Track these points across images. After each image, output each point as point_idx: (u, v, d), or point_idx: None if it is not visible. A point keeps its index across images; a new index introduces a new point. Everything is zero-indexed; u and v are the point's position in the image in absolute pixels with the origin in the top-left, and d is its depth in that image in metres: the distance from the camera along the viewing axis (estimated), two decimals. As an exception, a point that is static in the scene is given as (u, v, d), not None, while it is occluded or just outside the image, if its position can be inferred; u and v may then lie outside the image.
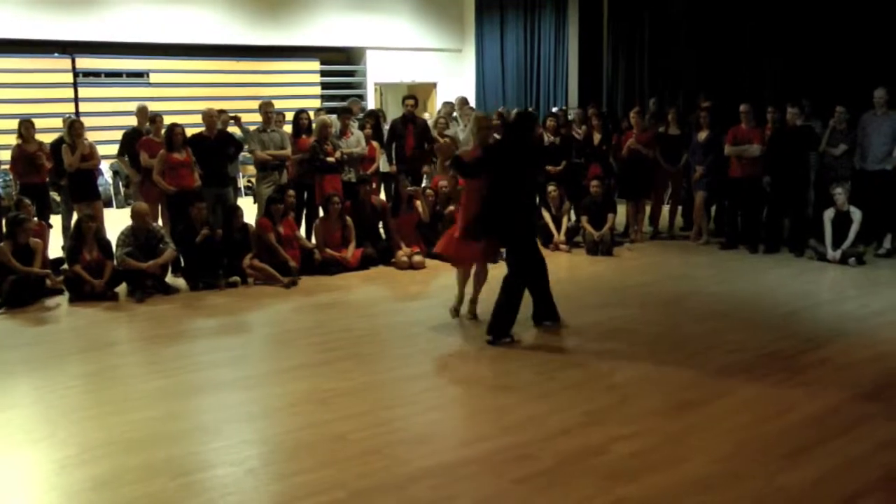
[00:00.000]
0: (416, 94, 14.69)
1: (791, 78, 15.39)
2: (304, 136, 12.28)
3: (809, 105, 12.89)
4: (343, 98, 18.00)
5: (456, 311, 8.96)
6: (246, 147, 12.56)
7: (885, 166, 12.07)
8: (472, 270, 8.95)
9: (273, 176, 12.10)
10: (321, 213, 11.81)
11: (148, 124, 12.05)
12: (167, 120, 11.86)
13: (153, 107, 12.89)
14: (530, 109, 14.10)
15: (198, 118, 12.08)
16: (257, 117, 12.40)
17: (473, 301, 9.00)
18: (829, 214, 11.66)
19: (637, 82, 18.85)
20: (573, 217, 13.17)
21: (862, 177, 12.31)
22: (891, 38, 14.05)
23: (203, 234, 10.58)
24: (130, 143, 12.09)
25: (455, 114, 14.93)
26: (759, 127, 12.58)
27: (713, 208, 13.66)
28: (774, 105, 12.69)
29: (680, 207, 14.27)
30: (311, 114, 13.23)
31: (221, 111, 12.96)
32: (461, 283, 8.99)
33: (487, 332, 8.12)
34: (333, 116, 12.98)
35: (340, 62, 23.02)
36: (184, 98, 18.85)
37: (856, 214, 11.51)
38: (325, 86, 22.13)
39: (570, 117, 15.09)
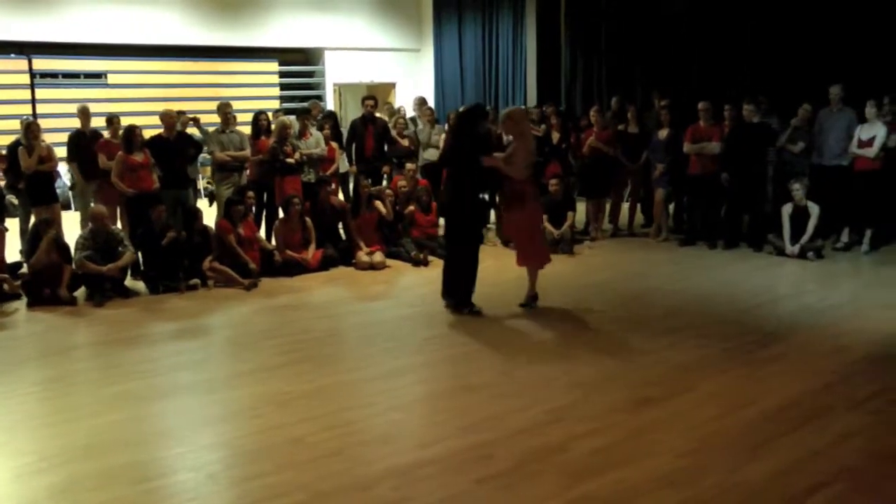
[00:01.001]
0: (375, 95, 14.64)
1: (748, 75, 15.48)
2: (263, 138, 12.17)
3: (767, 102, 12.96)
4: (303, 99, 17.97)
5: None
6: (205, 148, 12.46)
7: (841, 161, 12.21)
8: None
9: (233, 177, 11.99)
10: (281, 215, 11.71)
11: (90, 126, 11.90)
12: (126, 122, 11.71)
13: (111, 108, 12.77)
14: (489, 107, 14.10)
15: (156, 119, 11.97)
16: (216, 118, 12.29)
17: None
18: (787, 210, 11.74)
19: (595, 81, 18.87)
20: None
21: (819, 172, 12.42)
22: (845, 36, 14.16)
23: (170, 236, 10.46)
24: (76, 145, 11.97)
25: (414, 113, 14.87)
26: (718, 124, 12.63)
27: (672, 205, 13.69)
28: (731, 102, 12.76)
29: (639, 205, 14.30)
30: (270, 115, 13.14)
31: (180, 112, 12.85)
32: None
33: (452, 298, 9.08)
34: (292, 117, 12.89)
35: (299, 63, 22.90)
36: (142, 99, 18.68)
37: (813, 209, 11.59)
38: (283, 86, 22.00)
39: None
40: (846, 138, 12.11)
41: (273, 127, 12.30)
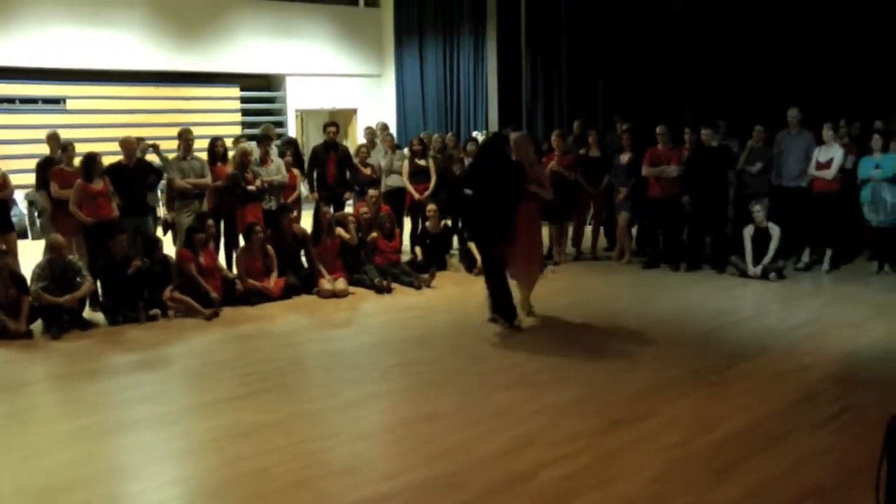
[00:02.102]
0: (336, 121, 14.60)
1: (707, 99, 15.57)
2: (219, 164, 12.06)
3: (726, 125, 13.04)
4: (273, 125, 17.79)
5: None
6: (165, 175, 12.34)
7: (800, 183, 12.32)
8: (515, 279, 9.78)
9: (193, 205, 11.83)
10: (241, 243, 11.61)
11: (60, 152, 11.74)
12: (85, 148, 11.56)
13: (69, 134, 12.58)
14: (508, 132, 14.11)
15: (115, 146, 11.83)
16: (176, 144, 12.13)
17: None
18: (748, 231, 11.80)
19: (556, 105, 18.91)
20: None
21: (779, 193, 12.52)
22: (802, 60, 14.29)
23: (135, 265, 10.30)
24: (44, 173, 11.81)
25: (376, 139, 14.81)
26: (677, 147, 12.69)
27: (635, 228, 13.72)
28: (691, 126, 12.82)
29: (602, 228, 14.32)
30: (228, 141, 13.04)
31: (139, 139, 12.71)
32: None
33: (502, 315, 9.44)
34: (253, 144, 12.81)
35: (261, 88, 22.84)
36: (102, 125, 18.49)
37: (774, 230, 11.66)
38: (245, 112, 21.91)
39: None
40: (804, 160, 12.21)
41: (232, 154, 12.21)
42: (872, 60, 13.90)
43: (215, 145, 12.23)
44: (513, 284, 9.68)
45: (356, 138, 19.32)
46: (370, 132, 14.84)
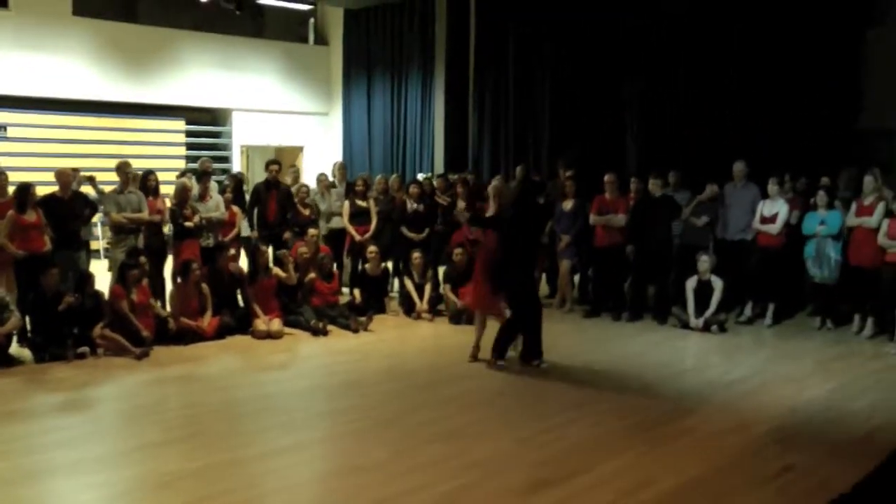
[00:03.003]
0: (280, 159, 14.45)
1: (654, 149, 15.57)
2: (150, 198, 11.81)
3: (677, 176, 13.03)
4: (212, 160, 17.54)
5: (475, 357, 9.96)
6: (101, 209, 12.10)
7: (745, 236, 12.33)
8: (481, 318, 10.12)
9: (129, 240, 11.56)
10: (169, 280, 11.36)
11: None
12: (24, 177, 11.27)
13: (9, 162, 12.27)
14: (536, 178, 14.05)
15: (48, 176, 11.57)
16: (115, 177, 11.88)
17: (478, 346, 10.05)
18: (691, 283, 11.79)
19: (502, 149, 18.86)
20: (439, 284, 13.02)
21: (723, 246, 12.54)
22: (750, 113, 14.37)
23: (67, 301, 10.02)
24: None
25: (333, 178, 14.58)
26: (624, 196, 12.67)
27: (577, 276, 13.64)
28: (638, 175, 12.79)
29: (544, 275, 14.19)
30: (165, 175, 12.81)
31: (75, 170, 12.47)
32: (480, 331, 10.04)
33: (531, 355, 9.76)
34: (193, 179, 12.61)
35: (206, 122, 22.58)
36: (42, 154, 18.01)
37: (717, 283, 11.65)
38: (190, 146, 21.52)
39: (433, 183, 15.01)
40: (749, 213, 12.22)
41: (174, 188, 12.02)
42: (818, 117, 14.00)
43: (147, 179, 11.97)
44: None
45: (302, 176, 19.11)
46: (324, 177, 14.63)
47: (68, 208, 11.21)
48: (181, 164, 19.59)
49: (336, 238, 13.65)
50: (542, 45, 17.71)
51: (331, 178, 14.36)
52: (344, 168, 15.17)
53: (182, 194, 11.75)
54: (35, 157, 17.84)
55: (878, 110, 13.85)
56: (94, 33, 19.59)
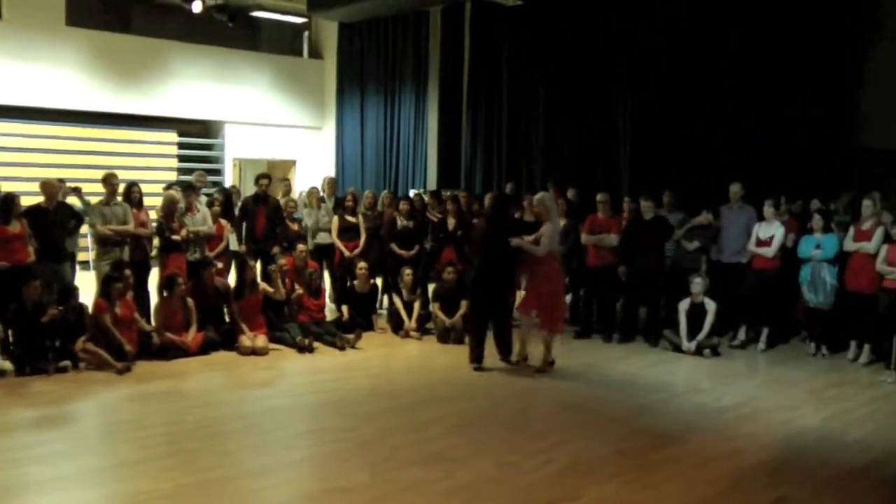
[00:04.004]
0: (272, 173, 14.36)
1: (648, 169, 15.47)
2: (134, 211, 11.69)
3: (672, 196, 12.95)
4: (206, 174, 17.40)
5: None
6: (86, 220, 11.97)
7: (740, 259, 12.23)
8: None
9: (114, 252, 11.45)
10: (154, 293, 11.25)
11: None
12: (11, 187, 11.16)
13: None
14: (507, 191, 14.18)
15: (32, 186, 11.44)
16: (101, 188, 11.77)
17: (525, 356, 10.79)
18: (683, 305, 11.69)
19: (496, 166, 18.76)
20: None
21: (718, 268, 12.47)
22: (745, 135, 14.28)
23: (51, 313, 9.90)
24: None
25: (322, 194, 14.48)
26: (616, 216, 12.59)
27: (568, 296, 13.52)
28: (631, 195, 12.71)
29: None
30: (151, 187, 12.71)
31: (61, 181, 12.34)
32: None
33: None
34: (180, 192, 12.51)
35: (198, 135, 22.47)
36: (31, 164, 17.86)
37: (710, 306, 11.55)
38: (181, 158, 21.44)
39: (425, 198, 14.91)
40: (745, 235, 12.14)
41: (161, 201, 11.92)
42: (816, 137, 13.94)
43: (131, 190, 11.86)
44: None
45: (294, 190, 18.98)
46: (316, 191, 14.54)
47: (53, 219, 11.11)
48: (172, 176, 19.48)
49: (323, 253, 13.56)
50: (537, 62, 17.64)
51: (321, 193, 14.26)
52: (333, 183, 15.07)
53: (169, 207, 11.65)
54: (23, 167, 17.71)
55: (877, 130, 13.80)
56: (86, 43, 19.49)
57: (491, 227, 10.97)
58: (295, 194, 15.71)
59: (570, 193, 13.24)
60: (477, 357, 10.54)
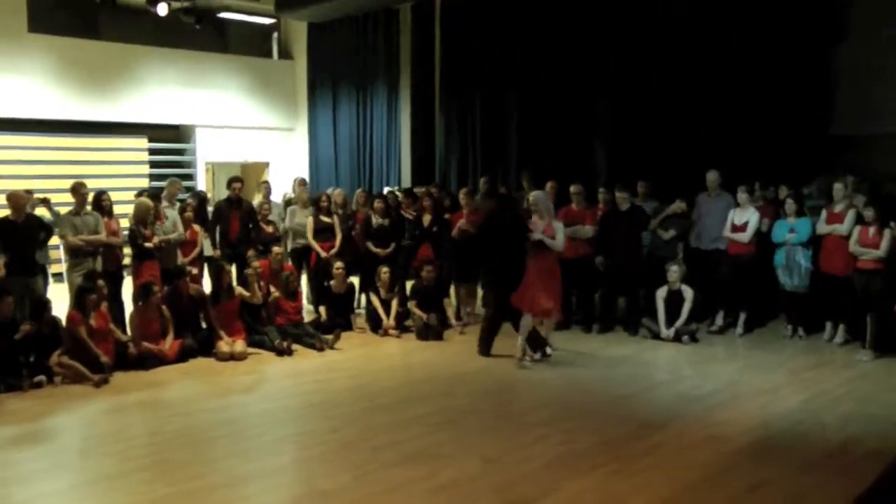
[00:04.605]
0: (245, 176, 14.30)
1: (624, 159, 15.46)
2: (105, 219, 11.63)
3: (647, 186, 12.99)
4: (181, 181, 17.31)
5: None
6: (56, 231, 11.90)
7: (718, 245, 12.31)
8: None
9: (86, 263, 11.37)
10: (129, 303, 11.19)
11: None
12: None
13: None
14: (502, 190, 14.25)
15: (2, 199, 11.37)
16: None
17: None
18: (661, 293, 11.78)
19: (470, 162, 18.73)
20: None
21: (697, 255, 12.59)
22: (720, 123, 14.29)
23: (24, 330, 9.82)
24: None
25: (291, 195, 14.48)
26: (591, 207, 12.64)
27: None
28: (606, 186, 12.76)
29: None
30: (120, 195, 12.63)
31: (28, 192, 12.26)
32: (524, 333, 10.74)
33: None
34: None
35: (170, 140, 22.35)
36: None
37: (687, 293, 11.65)
38: (153, 164, 21.29)
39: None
40: (724, 223, 12.21)
41: (133, 208, 11.85)
42: (789, 125, 13.97)
43: (101, 199, 11.81)
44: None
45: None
46: (267, 187, 14.52)
47: (22, 232, 11.02)
48: (144, 182, 19.36)
49: (302, 255, 13.59)
50: (509, 55, 17.60)
51: (292, 194, 14.24)
52: (304, 183, 15.05)
53: (142, 214, 11.58)
54: (-6, 179, 17.56)
55: (849, 118, 13.88)
56: (50, 50, 19.27)
57: (502, 222, 11.01)
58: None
59: (548, 186, 13.22)
60: (487, 349, 10.90)
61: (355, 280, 13.44)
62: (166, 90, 21.19)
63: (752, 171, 12.98)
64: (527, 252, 10.61)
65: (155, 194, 12.67)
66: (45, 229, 11.57)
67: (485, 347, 11.02)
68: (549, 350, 10.77)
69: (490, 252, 11.07)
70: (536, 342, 10.74)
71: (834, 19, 14.12)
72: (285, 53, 23.86)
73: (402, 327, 12.48)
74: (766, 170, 13.23)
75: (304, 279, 13.67)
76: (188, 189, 18.39)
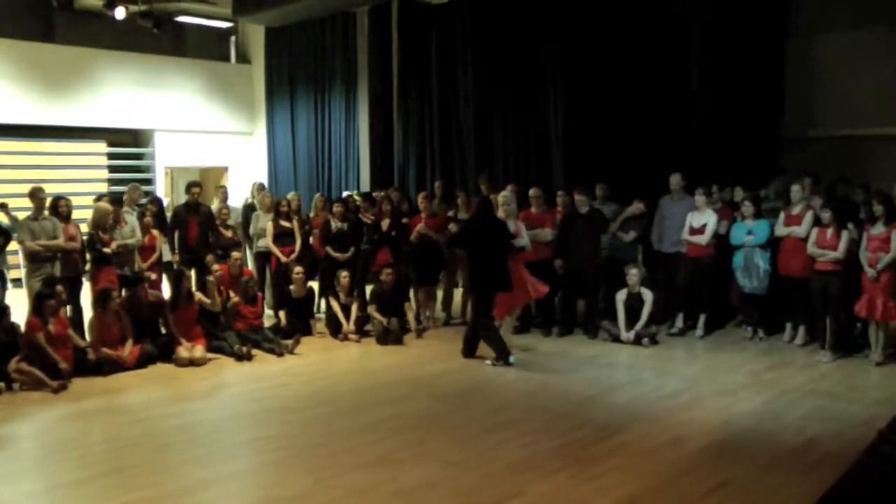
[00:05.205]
0: (203, 180, 14.19)
1: (582, 161, 15.45)
2: (63, 225, 11.46)
3: (604, 189, 13.00)
4: (136, 182, 17.18)
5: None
6: (15, 237, 11.74)
7: (680, 248, 12.32)
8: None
9: (45, 268, 11.23)
10: (87, 308, 11.06)
11: None
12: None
13: None
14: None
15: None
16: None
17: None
18: (620, 296, 11.78)
19: (428, 165, 18.67)
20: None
21: (659, 258, 12.65)
22: (678, 125, 14.33)
23: None
24: None
25: (252, 200, 14.40)
26: (550, 210, 12.64)
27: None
28: (565, 188, 12.76)
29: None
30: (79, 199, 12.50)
31: (-15, 197, 12.13)
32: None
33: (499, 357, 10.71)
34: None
35: (128, 144, 22.16)
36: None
37: (647, 295, 11.66)
38: (112, 169, 21.09)
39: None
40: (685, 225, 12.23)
41: (93, 213, 11.71)
42: (745, 126, 14.04)
43: (59, 204, 11.67)
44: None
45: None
46: (224, 192, 14.42)
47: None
48: (103, 187, 19.18)
49: (265, 259, 13.57)
50: (465, 59, 17.58)
51: (250, 199, 14.17)
52: (263, 188, 14.97)
53: (101, 219, 11.44)
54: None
55: (799, 119, 14.01)
56: (6, 54, 19.07)
57: (481, 227, 11.15)
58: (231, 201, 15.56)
59: (508, 189, 13.18)
60: (504, 353, 10.70)
61: (314, 284, 13.37)
62: (124, 94, 21.02)
63: (709, 174, 13.03)
64: (508, 254, 11.07)
65: (117, 198, 12.54)
66: (4, 234, 11.44)
67: (468, 350, 11.09)
68: (511, 359, 10.67)
69: (474, 256, 11.13)
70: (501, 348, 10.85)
71: (785, 18, 14.28)
72: (243, 57, 23.76)
73: (361, 332, 12.40)
74: (723, 172, 13.28)
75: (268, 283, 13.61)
76: (146, 194, 18.23)
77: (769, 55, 14.22)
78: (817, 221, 11.07)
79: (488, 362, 10.66)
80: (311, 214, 14.43)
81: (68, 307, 10.92)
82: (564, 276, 12.34)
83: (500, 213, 11.57)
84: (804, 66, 14.07)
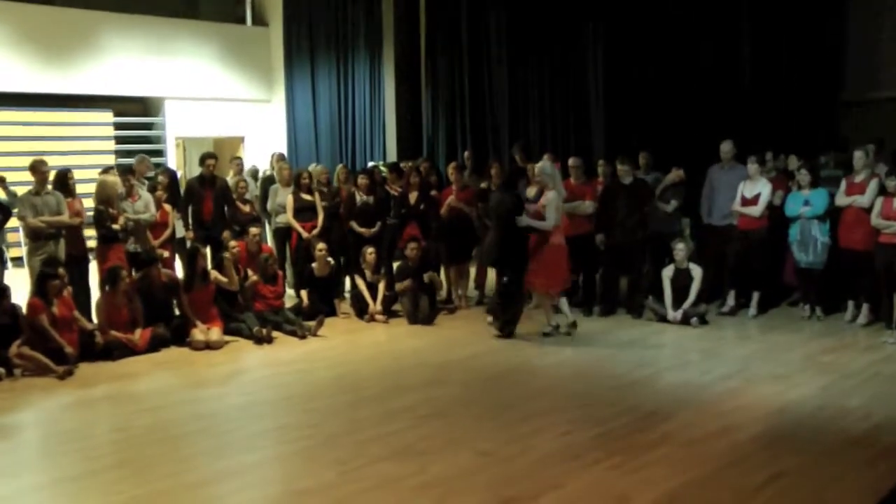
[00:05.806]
0: (218, 151, 14.21)
1: (623, 129, 15.40)
2: (68, 200, 11.51)
3: (648, 157, 12.93)
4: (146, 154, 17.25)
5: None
6: (15, 213, 11.82)
7: (732, 221, 12.20)
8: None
9: (47, 246, 11.27)
10: (95, 289, 11.13)
11: None
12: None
13: None
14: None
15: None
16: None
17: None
18: (667, 273, 11.72)
19: (459, 134, 18.66)
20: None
21: (709, 232, 12.56)
22: (728, 89, 14.23)
23: None
24: None
25: (270, 171, 14.41)
26: (591, 181, 12.59)
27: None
28: (606, 158, 12.69)
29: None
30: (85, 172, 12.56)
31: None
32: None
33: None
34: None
35: (136, 113, 22.26)
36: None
37: (696, 272, 11.59)
38: (119, 140, 21.16)
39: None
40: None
41: (97, 186, 11.76)
42: (802, 91, 13.94)
43: (66, 178, 11.71)
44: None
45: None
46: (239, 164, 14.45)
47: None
48: (110, 159, 19.22)
49: (285, 235, 13.57)
50: (498, 20, 17.52)
51: (269, 171, 14.17)
52: (283, 158, 14.97)
53: (107, 193, 11.48)
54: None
55: (862, 80, 13.87)
56: (3, 18, 19.15)
57: (502, 201, 11.40)
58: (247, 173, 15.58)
59: (545, 158, 13.13)
60: (510, 332, 11.23)
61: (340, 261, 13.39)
62: (132, 60, 21.04)
63: (762, 140, 12.93)
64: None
65: (128, 168, 12.57)
66: (2, 211, 11.50)
67: (507, 330, 11.24)
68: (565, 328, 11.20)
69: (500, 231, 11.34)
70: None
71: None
72: (259, 19, 23.73)
73: (389, 312, 12.45)
74: (774, 138, 13.18)
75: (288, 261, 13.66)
76: (157, 166, 18.28)
77: (829, 9, 14.08)
78: (882, 190, 10.98)
79: (549, 328, 11.29)
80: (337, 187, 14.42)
81: (70, 288, 10.96)
82: (606, 252, 12.30)
83: (532, 187, 11.53)
84: (868, 21, 13.92)
